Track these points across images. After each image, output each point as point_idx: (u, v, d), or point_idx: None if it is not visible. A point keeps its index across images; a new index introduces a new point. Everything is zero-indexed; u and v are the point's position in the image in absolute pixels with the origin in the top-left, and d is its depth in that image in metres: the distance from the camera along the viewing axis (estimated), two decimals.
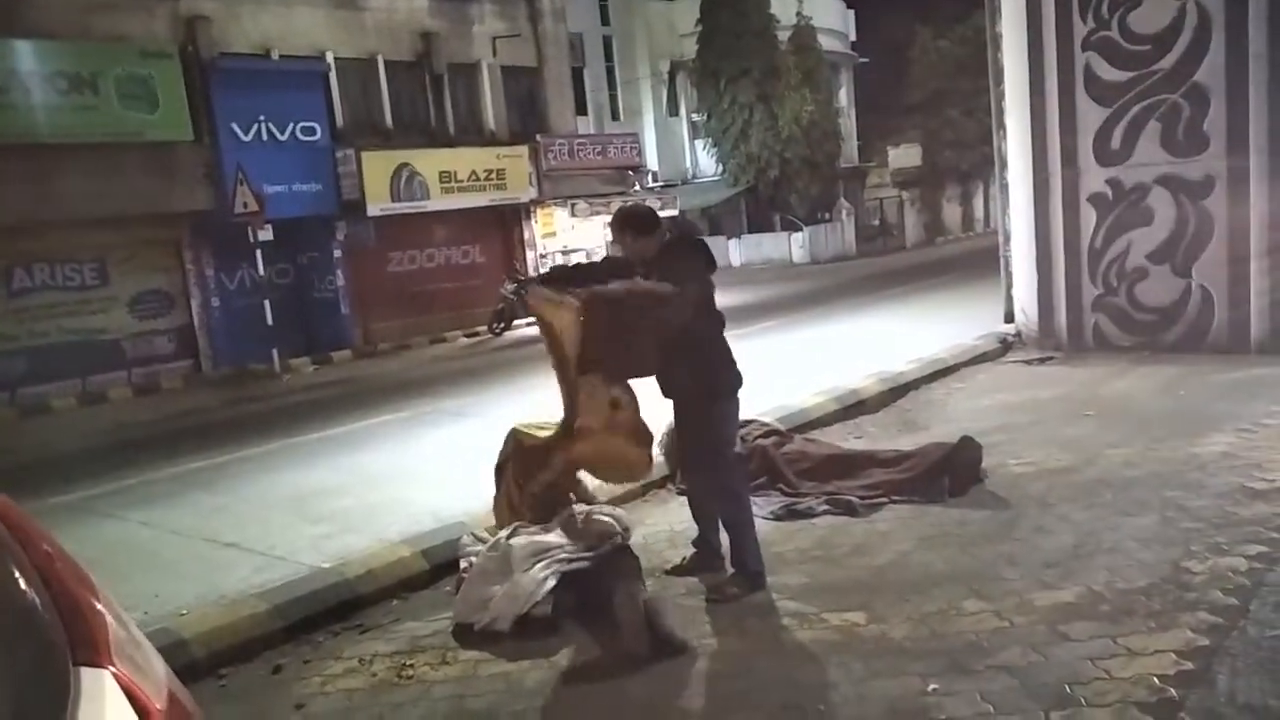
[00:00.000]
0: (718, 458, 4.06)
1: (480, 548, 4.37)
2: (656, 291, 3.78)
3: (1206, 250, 7.96)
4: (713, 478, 4.12)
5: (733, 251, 29.05)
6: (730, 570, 4.15)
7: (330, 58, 17.04)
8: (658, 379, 4.10)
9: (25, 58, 13.34)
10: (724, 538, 4.25)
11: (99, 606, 0.99)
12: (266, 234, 14.34)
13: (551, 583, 3.96)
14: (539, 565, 4.03)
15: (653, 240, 4.06)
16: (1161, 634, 3.25)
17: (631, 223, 4.10)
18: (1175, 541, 4.06)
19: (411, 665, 3.70)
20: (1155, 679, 2.97)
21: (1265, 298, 7.73)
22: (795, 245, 28.63)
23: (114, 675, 0.86)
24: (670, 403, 4.19)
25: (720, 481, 4.11)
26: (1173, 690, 2.90)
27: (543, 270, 4.05)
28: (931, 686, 3.09)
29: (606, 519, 4.35)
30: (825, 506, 4.97)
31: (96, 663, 0.87)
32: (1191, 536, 4.09)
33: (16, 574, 0.92)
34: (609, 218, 21.51)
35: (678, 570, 4.31)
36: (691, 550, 4.41)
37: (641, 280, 3.90)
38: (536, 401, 9.30)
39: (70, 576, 1.02)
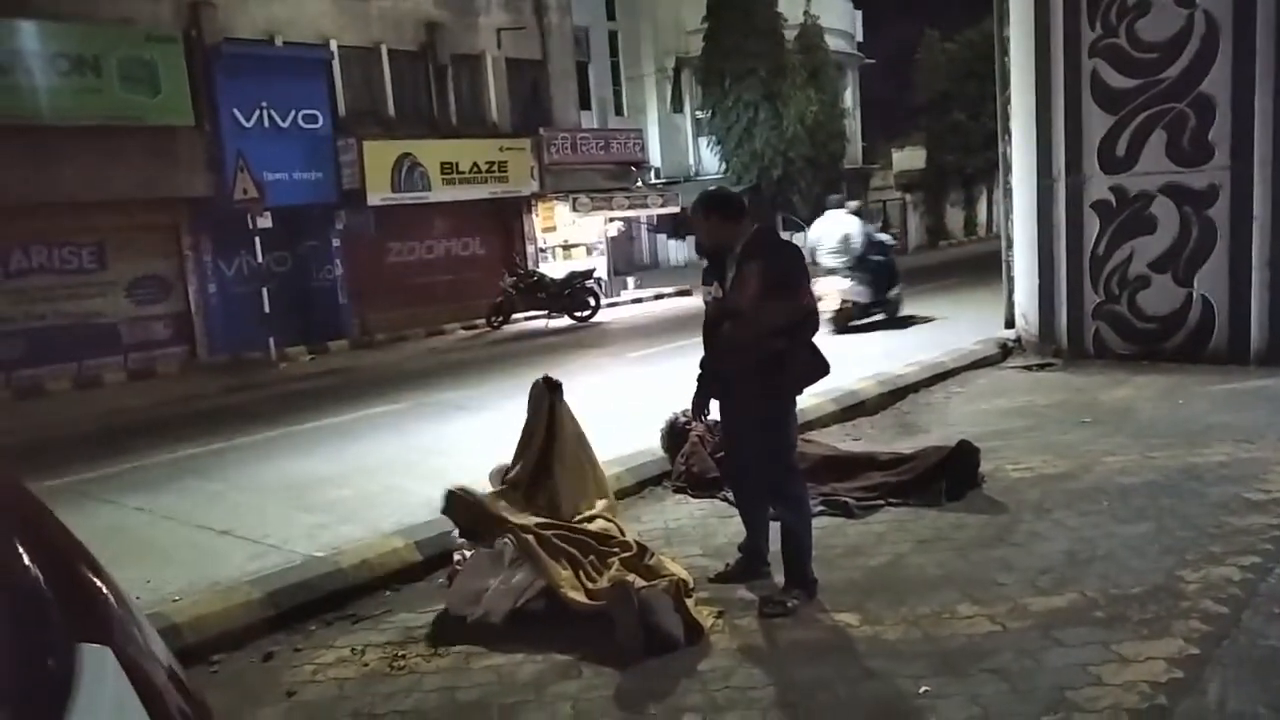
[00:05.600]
0: (780, 461, 3.95)
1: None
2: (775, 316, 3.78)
3: (1209, 260, 7.96)
4: (775, 483, 3.99)
5: None
6: (784, 579, 3.96)
7: (334, 45, 17.02)
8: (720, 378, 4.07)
9: (28, 38, 13.30)
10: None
11: (99, 583, 0.98)
12: (266, 221, 14.31)
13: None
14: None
15: (740, 227, 3.93)
16: (1154, 641, 3.26)
17: (721, 207, 3.97)
18: (1170, 550, 4.06)
19: (403, 656, 3.70)
20: (1146, 686, 2.97)
21: (1266, 309, 7.73)
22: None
23: (116, 652, 0.86)
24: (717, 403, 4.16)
25: (783, 487, 3.98)
26: (1163, 697, 2.90)
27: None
28: (923, 689, 3.09)
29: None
30: (821, 507, 4.95)
31: (99, 639, 0.86)
32: (1186, 545, 4.09)
33: (18, 547, 0.92)
34: (610, 214, 21.31)
35: (722, 577, 4.14)
36: (734, 557, 4.27)
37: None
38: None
39: (71, 551, 1.01)
